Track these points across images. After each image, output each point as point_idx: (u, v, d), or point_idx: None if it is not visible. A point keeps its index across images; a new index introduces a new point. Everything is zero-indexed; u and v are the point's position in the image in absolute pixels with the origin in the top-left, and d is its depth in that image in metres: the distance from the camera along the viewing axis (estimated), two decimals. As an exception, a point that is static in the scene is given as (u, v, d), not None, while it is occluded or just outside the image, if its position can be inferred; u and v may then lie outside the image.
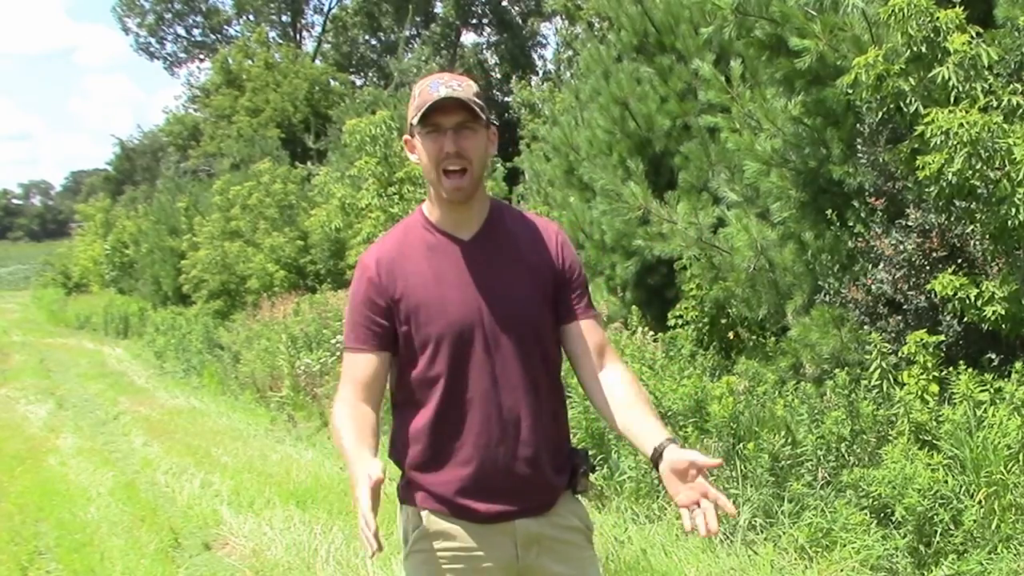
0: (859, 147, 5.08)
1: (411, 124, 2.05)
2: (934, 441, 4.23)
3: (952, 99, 4.31)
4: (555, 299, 2.12)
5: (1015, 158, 4.13)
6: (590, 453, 5.05)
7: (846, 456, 4.44)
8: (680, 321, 6.71)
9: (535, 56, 35.95)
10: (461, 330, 2.03)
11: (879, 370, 4.61)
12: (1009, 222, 4.20)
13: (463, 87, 2.02)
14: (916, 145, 4.54)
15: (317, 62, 33.52)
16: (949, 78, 4.31)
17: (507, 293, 2.06)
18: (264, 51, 30.55)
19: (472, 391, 2.04)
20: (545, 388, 2.10)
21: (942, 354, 4.60)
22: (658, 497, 4.93)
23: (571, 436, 2.25)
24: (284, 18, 39.55)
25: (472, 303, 2.04)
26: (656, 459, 1.95)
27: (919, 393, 4.43)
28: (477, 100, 2.02)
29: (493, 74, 35.09)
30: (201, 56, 40.90)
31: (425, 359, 2.05)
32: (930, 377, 4.50)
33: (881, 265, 5.00)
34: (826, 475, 4.41)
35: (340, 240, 13.85)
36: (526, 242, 2.13)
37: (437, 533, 2.09)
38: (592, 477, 4.83)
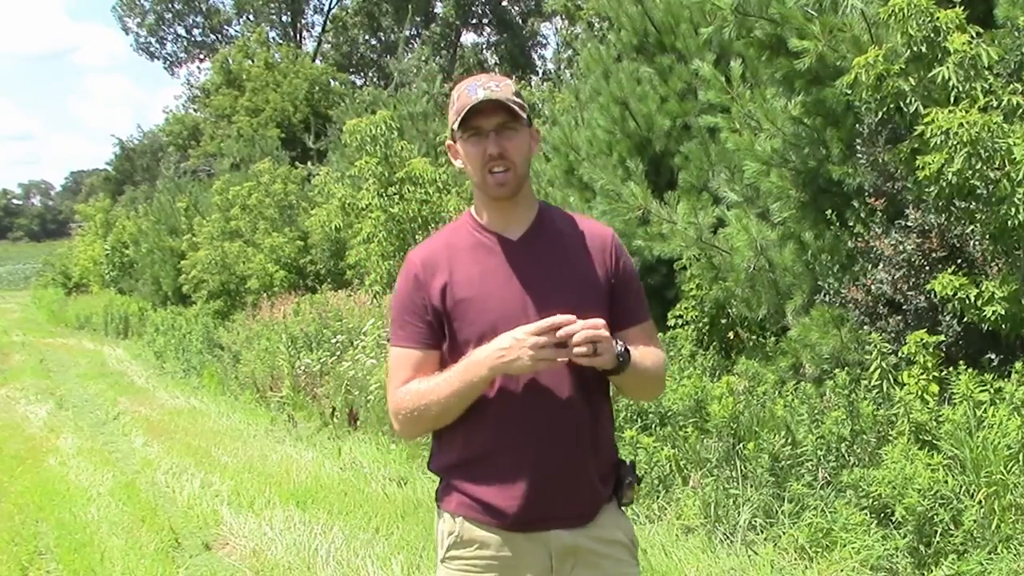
0: (859, 147, 5.08)
1: (452, 129, 2.04)
2: (934, 441, 4.23)
3: (952, 99, 4.31)
4: (609, 305, 2.07)
5: (1015, 158, 4.13)
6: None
7: (846, 456, 4.44)
8: (680, 321, 6.71)
9: (535, 56, 36.01)
10: (503, 329, 1.97)
11: (879, 370, 4.61)
12: (1009, 222, 4.20)
13: (501, 88, 2.00)
14: (916, 145, 4.54)
15: (317, 62, 33.54)
16: (949, 78, 4.30)
17: (553, 293, 2.01)
18: (264, 51, 30.58)
19: (514, 393, 2.00)
20: (591, 393, 2.05)
21: (942, 354, 4.60)
22: (658, 497, 4.93)
23: (617, 446, 2.20)
24: (284, 18, 39.57)
25: (516, 302, 2.01)
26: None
27: (919, 393, 4.43)
28: (516, 100, 2.00)
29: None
30: (201, 56, 40.96)
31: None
32: (930, 377, 4.50)
33: (881, 265, 5.00)
34: (826, 475, 4.41)
35: (340, 240, 13.83)
36: (577, 245, 2.09)
37: (471, 540, 2.05)
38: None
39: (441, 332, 2.05)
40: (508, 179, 2.01)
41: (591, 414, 2.05)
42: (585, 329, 1.89)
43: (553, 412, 2.00)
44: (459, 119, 1.99)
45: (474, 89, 1.99)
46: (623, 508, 2.14)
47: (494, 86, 2.00)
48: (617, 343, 1.97)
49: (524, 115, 2.01)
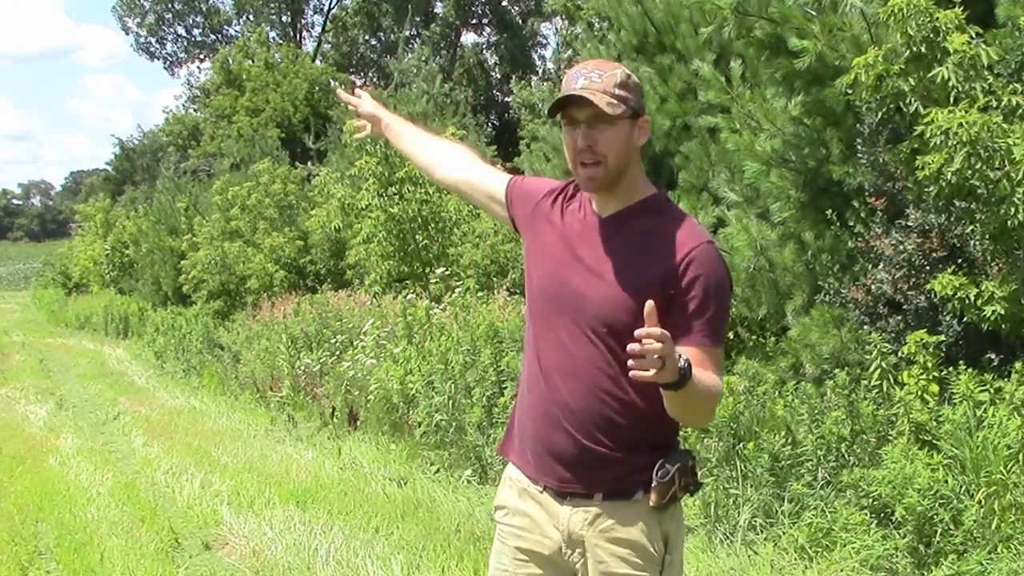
0: (859, 147, 5.08)
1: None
2: (934, 441, 4.23)
3: (952, 99, 4.31)
4: (663, 314, 1.85)
5: (1015, 158, 4.13)
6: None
7: (846, 456, 4.44)
8: (680, 321, 6.69)
9: (535, 56, 36.00)
10: (545, 295, 2.07)
11: (879, 370, 4.61)
12: (1009, 222, 4.20)
13: (603, 79, 1.93)
14: (916, 145, 4.54)
15: (317, 62, 33.54)
16: (949, 78, 4.31)
17: (595, 280, 1.98)
18: (264, 51, 30.58)
19: (544, 360, 2.06)
20: (611, 385, 1.97)
21: (942, 354, 4.59)
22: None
23: (668, 445, 2.07)
24: (284, 18, 39.58)
25: (561, 276, 2.04)
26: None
27: (919, 393, 4.43)
28: (614, 93, 1.93)
29: (493, 74, 35.11)
30: (201, 56, 40.97)
31: (526, 311, 2.15)
32: (930, 377, 4.50)
33: (881, 265, 5.00)
34: (826, 475, 4.40)
35: (340, 240, 13.84)
36: (657, 245, 1.97)
37: (508, 476, 2.20)
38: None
39: (506, 202, 2.23)
40: (597, 174, 1.97)
41: (609, 403, 1.98)
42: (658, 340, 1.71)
43: (565, 386, 2.02)
44: (552, 106, 1.97)
45: (576, 77, 1.95)
46: (665, 507, 2.00)
47: (596, 76, 1.94)
48: (681, 357, 1.79)
49: (620, 110, 1.94)
